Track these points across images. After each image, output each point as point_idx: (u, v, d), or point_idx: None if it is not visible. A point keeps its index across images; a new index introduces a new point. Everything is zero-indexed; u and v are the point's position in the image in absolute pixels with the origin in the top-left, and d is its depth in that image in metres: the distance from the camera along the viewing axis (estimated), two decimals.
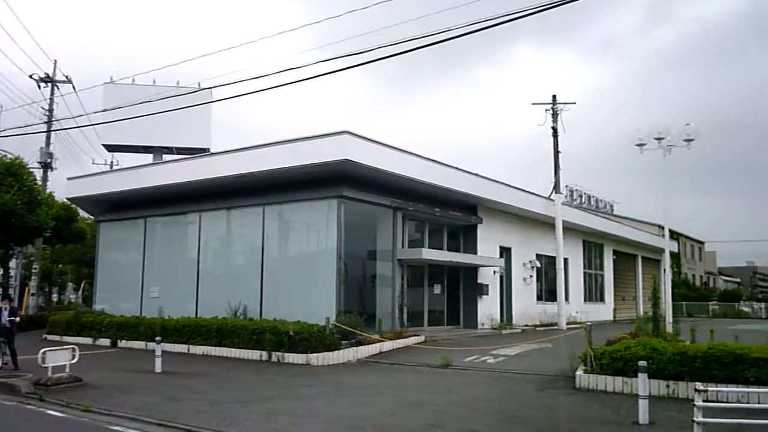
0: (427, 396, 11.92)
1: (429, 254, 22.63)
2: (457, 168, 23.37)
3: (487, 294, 26.34)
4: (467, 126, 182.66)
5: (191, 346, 19.13)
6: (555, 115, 29.95)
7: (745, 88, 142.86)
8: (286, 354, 16.71)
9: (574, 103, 30.47)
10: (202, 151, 28.33)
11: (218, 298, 21.37)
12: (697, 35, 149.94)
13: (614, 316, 37.83)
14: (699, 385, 8.09)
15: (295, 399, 11.50)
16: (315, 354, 16.36)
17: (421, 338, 20.36)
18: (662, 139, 21.17)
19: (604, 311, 37.45)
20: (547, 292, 31.21)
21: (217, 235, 23.68)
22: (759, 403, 9.48)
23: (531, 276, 30.00)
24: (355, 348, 17.32)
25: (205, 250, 23.59)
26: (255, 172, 20.02)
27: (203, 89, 24.76)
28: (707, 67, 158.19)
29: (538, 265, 30.37)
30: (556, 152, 30.11)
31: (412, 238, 23.78)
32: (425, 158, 21.65)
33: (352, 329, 17.53)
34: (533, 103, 30.51)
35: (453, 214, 24.78)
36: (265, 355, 17.08)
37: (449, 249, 25.30)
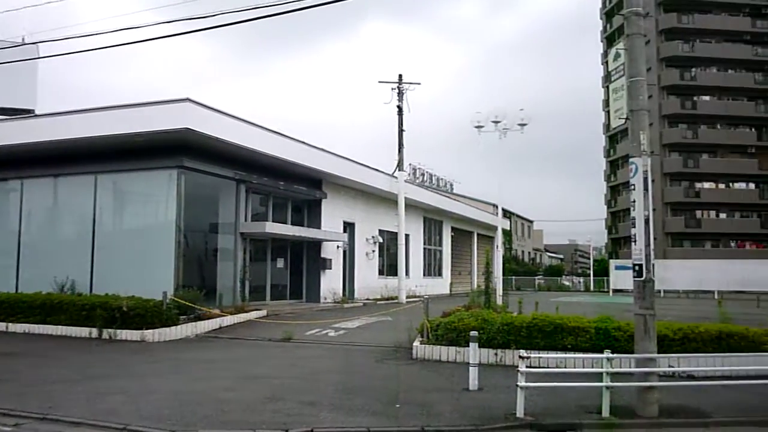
0: (267, 370, 11.85)
1: (273, 228, 22.41)
2: (302, 142, 23.24)
3: (330, 268, 26.58)
4: (317, 101, 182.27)
5: (10, 324, 17.56)
6: (400, 93, 30.61)
7: (578, 79, 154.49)
8: (119, 330, 15.85)
9: (419, 83, 31.46)
10: (26, 112, 25.97)
11: (43, 272, 19.76)
12: (537, 26, 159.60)
13: (451, 290, 39.71)
14: (522, 353, 8.69)
15: (128, 377, 10.96)
16: (151, 330, 15.67)
17: (263, 312, 20.17)
18: (499, 122, 22.41)
19: (441, 285, 39.20)
20: (389, 266, 32.07)
21: (42, 205, 21.87)
22: (575, 367, 10.33)
23: (373, 251, 30.65)
24: (194, 323, 16.80)
25: (27, 221, 21.72)
26: (86, 138, 18.62)
27: (28, 44, 22.64)
28: (543, 57, 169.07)
29: (381, 240, 31.08)
30: (401, 130, 30.84)
31: (256, 211, 23.42)
32: (270, 130, 21.30)
33: (191, 304, 16.99)
34: (380, 81, 30.90)
35: (298, 189, 24.68)
36: (95, 332, 16.07)
37: (293, 223, 25.21)
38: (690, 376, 11.17)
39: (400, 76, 30.63)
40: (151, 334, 15.61)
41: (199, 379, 10.87)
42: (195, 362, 12.79)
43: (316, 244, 26.19)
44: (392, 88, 30.68)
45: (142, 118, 17.78)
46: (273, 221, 23.53)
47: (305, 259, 26.33)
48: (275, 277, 24.96)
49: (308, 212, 26.46)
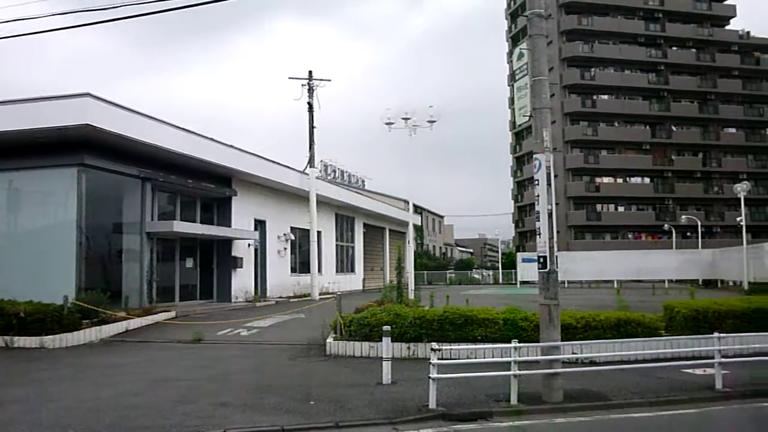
0: (176, 372, 11.57)
1: (181, 227, 21.84)
2: (211, 139, 22.76)
3: (241, 267, 26.18)
4: (229, 97, 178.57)
5: None
6: (311, 90, 30.46)
7: (486, 77, 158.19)
8: (17, 338, 15.02)
9: (330, 80, 31.29)
10: None
11: None
12: (446, 26, 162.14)
13: (364, 286, 39.93)
14: (434, 345, 8.88)
15: (27, 385, 10.43)
16: (51, 336, 14.93)
17: (172, 314, 19.65)
18: (408, 119, 22.70)
19: (354, 281, 39.34)
20: (301, 264, 31.89)
21: None
22: (485, 357, 10.63)
23: (285, 248, 30.40)
24: (98, 327, 16.14)
25: None
26: None
27: None
28: (453, 56, 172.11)
29: (293, 237, 30.87)
30: (311, 127, 30.71)
31: (163, 210, 22.74)
32: (177, 127, 20.74)
33: (94, 307, 16.31)
34: (290, 78, 30.59)
35: (207, 186, 24.14)
36: None
37: (203, 221, 24.65)
38: (592, 362, 11.71)
39: (310, 72, 30.53)
40: (52, 340, 14.88)
41: (104, 384, 10.47)
42: (99, 367, 12.31)
43: (226, 243, 25.72)
44: (302, 85, 30.50)
45: (40, 114, 16.90)
46: (181, 220, 22.95)
47: (215, 258, 25.80)
48: (184, 277, 24.34)
49: (218, 210, 25.92)
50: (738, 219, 41.48)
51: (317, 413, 8.35)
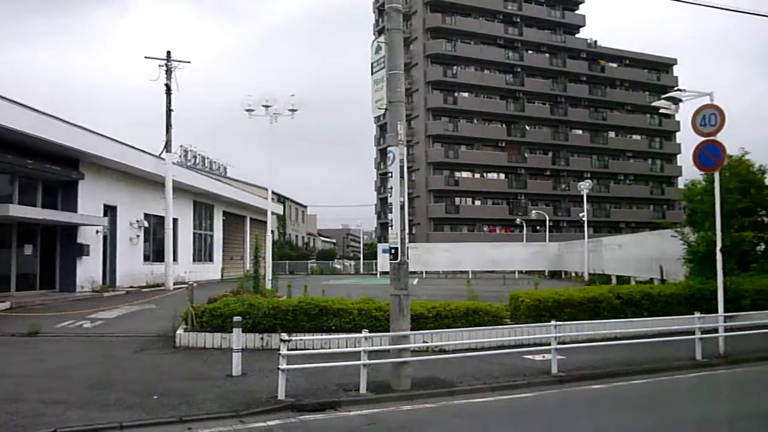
0: (7, 368, 10.67)
1: (18, 211, 20.17)
2: (56, 117, 21.19)
3: (87, 255, 24.63)
4: (81, 73, 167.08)
5: None
6: (169, 71, 29.20)
7: (353, 68, 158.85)
8: None
9: (189, 61, 30.13)
10: None
11: None
12: (314, 15, 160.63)
13: (222, 275, 38.96)
14: (284, 336, 8.79)
15: None
16: None
17: (7, 305, 18.19)
18: (270, 106, 22.31)
19: (212, 271, 38.28)
20: (156, 252, 30.58)
21: None
22: (338, 347, 10.68)
23: (138, 236, 29.01)
24: None
25: None
26: None
27: None
28: (320, 46, 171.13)
29: (146, 225, 29.51)
30: (169, 110, 29.45)
31: None
32: (15, 102, 19.11)
33: None
34: (146, 57, 29.13)
35: (51, 168, 22.47)
36: None
37: (45, 206, 22.93)
38: (442, 350, 12.13)
39: (169, 53, 29.25)
40: None
41: None
42: None
43: (71, 229, 24.07)
44: (160, 65, 29.18)
45: None
46: (19, 203, 21.22)
47: (59, 246, 24.11)
48: (23, 266, 22.55)
49: (63, 194, 24.20)
50: (581, 214, 44.61)
51: (161, 408, 8.02)
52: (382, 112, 9.62)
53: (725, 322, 12.88)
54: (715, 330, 12.58)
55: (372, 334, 9.48)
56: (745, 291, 16.65)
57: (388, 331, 9.90)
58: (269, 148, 27.01)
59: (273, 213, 34.07)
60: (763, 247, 21.37)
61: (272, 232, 34.69)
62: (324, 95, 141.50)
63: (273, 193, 31.97)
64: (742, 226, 19.47)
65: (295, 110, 22.57)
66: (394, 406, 8.61)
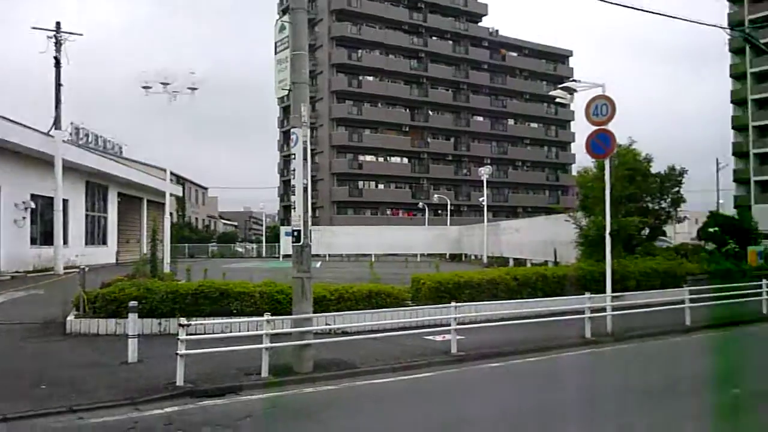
0: None
1: None
2: None
3: None
4: None
5: None
6: (58, 44, 27.52)
7: (258, 48, 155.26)
8: None
9: (81, 34, 28.49)
10: None
11: None
12: None
13: (117, 259, 37.41)
14: (182, 320, 8.56)
15: None
16: None
17: None
18: (168, 84, 21.54)
19: (107, 254, 36.67)
20: (44, 234, 28.93)
21: None
22: (240, 331, 10.52)
23: (24, 218, 27.32)
24: None
25: None
26: None
27: None
28: (223, 22, 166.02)
29: (33, 206, 27.83)
30: (58, 85, 27.79)
31: None
32: None
33: None
34: (33, 28, 27.34)
35: None
36: None
37: None
38: (344, 332, 12.17)
39: (58, 24, 27.54)
40: None
41: None
42: None
43: None
44: (49, 37, 27.46)
45: None
46: None
47: None
48: None
49: None
50: (481, 199, 45.84)
51: (49, 397, 7.64)
52: (286, 93, 9.49)
53: (612, 302, 13.62)
54: (604, 309, 13.28)
55: (274, 318, 9.39)
56: (631, 273, 17.69)
57: (291, 314, 9.84)
58: (168, 127, 26.11)
59: (172, 195, 33.02)
60: (647, 231, 22.74)
61: (171, 214, 33.63)
62: (227, 75, 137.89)
63: (172, 174, 30.98)
64: (629, 212, 20.64)
65: (195, 89, 21.94)
66: (296, 389, 8.59)
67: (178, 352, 8.26)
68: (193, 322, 9.34)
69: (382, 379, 9.28)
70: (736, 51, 69.29)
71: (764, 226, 30.77)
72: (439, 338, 11.80)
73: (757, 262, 22.54)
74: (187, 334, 8.45)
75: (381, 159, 70.77)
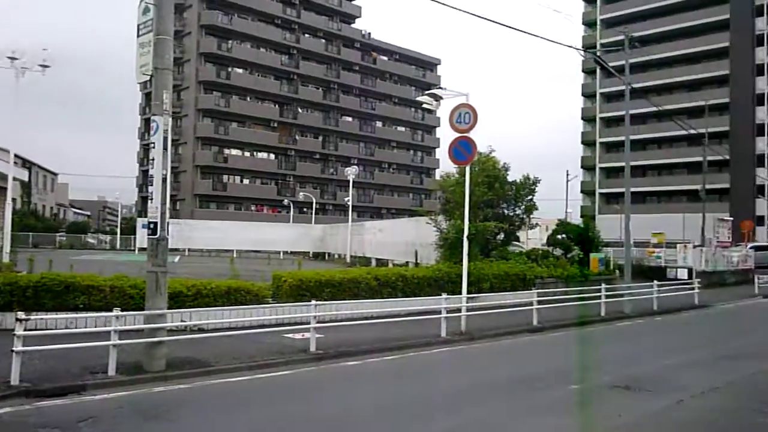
0: None
1: None
2: None
3: None
4: None
5: None
6: None
7: (112, 31, 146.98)
8: None
9: None
10: None
11: None
12: None
13: None
14: (20, 314, 7.94)
15: None
16: None
17: None
18: (16, 59, 19.87)
19: None
20: None
21: None
22: (87, 327, 9.91)
23: None
24: None
25: None
26: None
27: None
28: (80, 4, 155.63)
29: None
30: None
31: None
32: None
33: None
34: None
35: None
36: None
37: None
38: (201, 329, 11.82)
39: None
40: None
41: None
42: None
43: None
44: None
45: None
46: None
47: None
48: None
49: None
50: (346, 199, 46.22)
51: None
52: (147, 78, 9.06)
53: (468, 302, 14.18)
54: (459, 310, 13.79)
55: (125, 313, 8.96)
56: (486, 275, 18.50)
57: (144, 310, 9.40)
58: (14, 105, 24.14)
59: (15, 179, 30.50)
60: (503, 236, 23.87)
61: (14, 200, 31.07)
62: (86, 55, 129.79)
63: (17, 156, 28.61)
64: (486, 217, 21.59)
65: (47, 66, 20.37)
66: (146, 388, 8.23)
67: (14, 348, 7.65)
68: (33, 317, 8.70)
69: (238, 378, 9.10)
70: (588, 72, 74.77)
71: (606, 234, 33.29)
72: (298, 336, 11.74)
73: (599, 268, 24.26)
74: (25, 330, 7.84)
75: (247, 153, 69.40)
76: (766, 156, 60.18)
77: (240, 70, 68.69)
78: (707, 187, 41.00)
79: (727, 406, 8.10)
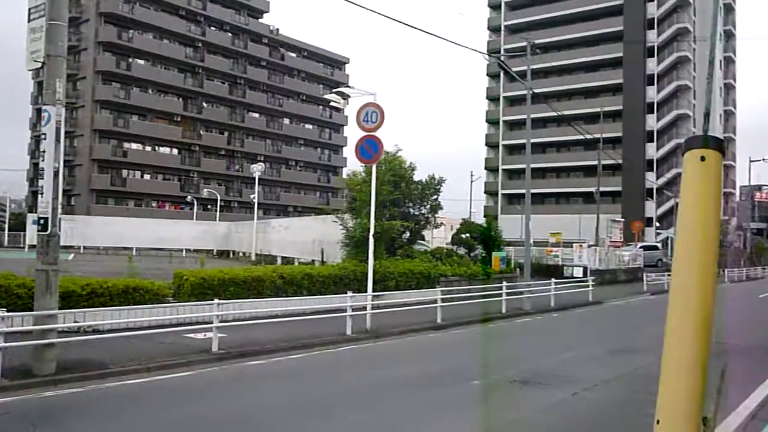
0: None
1: None
2: None
3: None
4: None
5: None
6: None
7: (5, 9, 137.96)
8: None
9: None
10: None
11: None
12: None
13: None
14: None
15: None
16: None
17: None
18: None
19: None
20: None
21: None
22: None
23: None
24: None
25: None
26: None
27: None
28: None
29: None
30: None
31: None
32: None
33: None
34: None
35: None
36: None
37: None
38: (96, 330, 11.32)
39: None
40: None
41: None
42: None
43: None
44: None
45: None
46: None
47: None
48: None
49: None
50: (252, 196, 45.52)
51: None
52: (39, 65, 8.57)
53: (373, 300, 14.28)
54: (365, 308, 13.86)
55: (12, 314, 8.43)
56: (391, 273, 18.68)
57: (32, 310, 8.90)
58: None
59: None
60: (408, 235, 24.19)
61: None
62: None
63: None
64: (392, 216, 21.81)
65: None
66: (33, 393, 7.79)
67: None
68: None
69: (135, 380, 8.77)
70: (493, 76, 76.97)
71: (508, 234, 34.38)
72: (200, 336, 11.46)
73: (501, 266, 25.02)
74: None
75: (149, 148, 66.98)
76: (655, 161, 63.90)
77: (141, 62, 66.21)
78: (601, 189, 43.08)
79: (617, 397, 8.52)
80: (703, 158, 1.53)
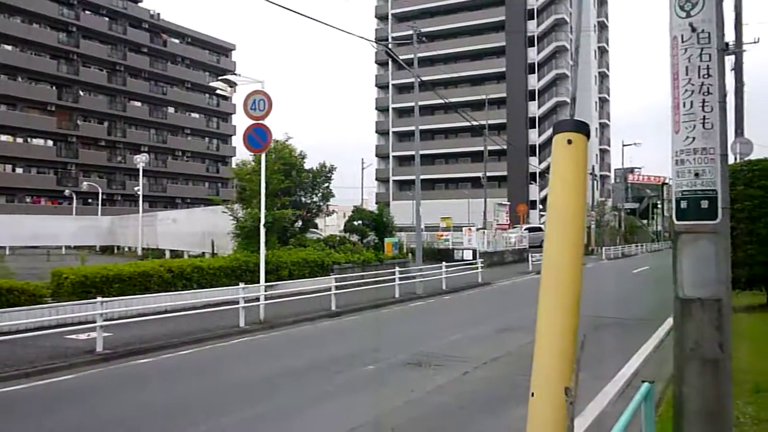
0: None
1: None
2: None
3: None
4: None
5: None
6: None
7: None
8: None
9: None
10: None
11: None
12: None
13: None
14: None
15: None
16: None
17: None
18: None
19: None
20: None
21: None
22: None
23: None
24: None
25: None
26: None
27: None
28: None
29: None
30: None
31: None
32: None
33: None
34: None
35: None
36: None
37: None
38: None
39: None
40: None
41: None
42: None
43: None
44: None
45: None
46: None
47: None
48: None
49: None
50: (136, 188, 43.69)
51: None
52: None
53: (266, 291, 14.10)
54: (258, 299, 13.67)
55: None
56: (284, 263, 18.53)
57: None
58: None
59: None
60: (300, 223, 24.03)
61: None
62: None
63: None
64: (284, 205, 21.58)
65: None
66: None
67: None
68: None
69: (13, 387, 8.25)
70: (381, 64, 77.60)
71: (400, 220, 34.88)
72: (83, 337, 10.93)
73: (393, 252, 25.37)
74: None
75: (20, 140, 62.71)
76: (537, 146, 66.70)
77: (9, 47, 61.79)
78: (488, 174, 44.50)
79: (505, 373, 8.86)
80: (569, 141, 1.60)
